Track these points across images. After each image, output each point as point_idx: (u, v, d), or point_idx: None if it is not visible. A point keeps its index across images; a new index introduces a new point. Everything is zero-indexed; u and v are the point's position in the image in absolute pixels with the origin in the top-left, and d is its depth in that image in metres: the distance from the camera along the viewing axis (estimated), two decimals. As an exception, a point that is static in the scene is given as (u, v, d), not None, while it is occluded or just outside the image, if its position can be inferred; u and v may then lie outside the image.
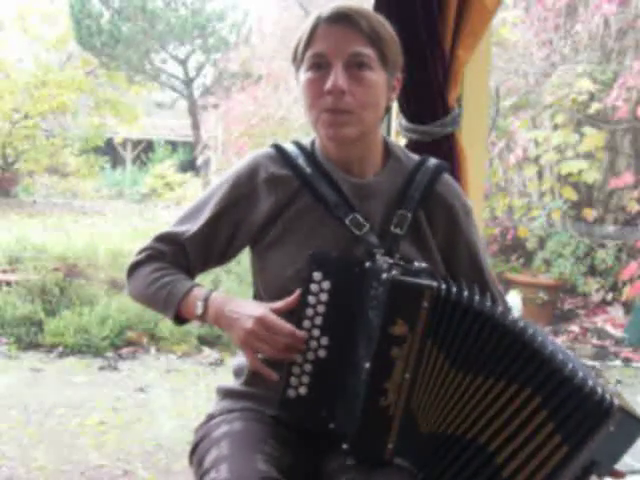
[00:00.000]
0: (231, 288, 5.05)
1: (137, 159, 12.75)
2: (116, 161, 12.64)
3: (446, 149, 1.72)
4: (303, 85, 1.22)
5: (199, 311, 1.23)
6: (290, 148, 1.31)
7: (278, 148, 1.31)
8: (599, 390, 1.07)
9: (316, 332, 1.16)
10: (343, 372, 1.14)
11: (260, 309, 1.18)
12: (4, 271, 5.39)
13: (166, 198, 10.66)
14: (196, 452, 1.27)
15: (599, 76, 5.89)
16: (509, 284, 5.87)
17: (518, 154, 6.16)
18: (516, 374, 1.09)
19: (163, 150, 12.28)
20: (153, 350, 4.69)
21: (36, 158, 9.56)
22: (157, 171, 11.43)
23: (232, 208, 1.29)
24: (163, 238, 1.32)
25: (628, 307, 5.68)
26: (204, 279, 5.19)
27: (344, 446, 1.13)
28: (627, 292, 5.62)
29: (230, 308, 1.21)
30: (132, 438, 3.31)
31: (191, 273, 1.33)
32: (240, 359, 1.33)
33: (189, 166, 11.65)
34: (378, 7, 1.65)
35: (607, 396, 1.07)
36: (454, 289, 1.11)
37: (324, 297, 1.16)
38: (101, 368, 4.35)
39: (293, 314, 1.17)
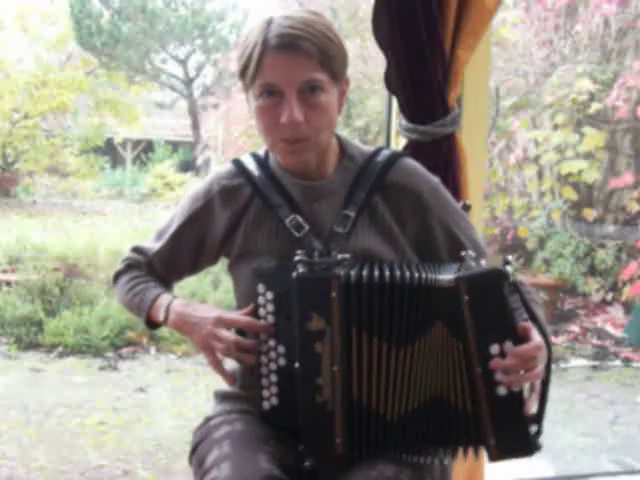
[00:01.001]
0: (231, 288, 5.04)
1: (137, 159, 12.74)
2: (116, 161, 12.63)
3: (446, 149, 1.72)
4: (256, 111, 1.21)
5: (161, 317, 1.29)
6: (245, 158, 1.34)
7: (235, 161, 1.34)
8: (437, 277, 1.10)
9: (272, 342, 1.19)
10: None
11: (216, 311, 1.24)
12: (4, 271, 5.39)
13: (166, 198, 10.64)
14: (196, 453, 1.27)
15: (599, 76, 5.89)
16: (509, 284, 5.87)
17: (518, 154, 6.16)
18: (425, 317, 1.11)
19: (163, 150, 12.27)
20: (153, 350, 4.69)
21: (36, 158, 9.55)
22: (157, 171, 11.41)
23: (191, 226, 1.33)
24: (137, 250, 1.40)
25: (628, 307, 5.68)
26: (204, 279, 5.19)
27: (300, 448, 1.15)
28: (627, 292, 5.62)
29: (188, 312, 1.26)
30: (132, 438, 3.31)
31: (167, 282, 1.40)
32: (232, 364, 1.34)
33: (189, 166, 11.65)
34: (378, 7, 1.65)
35: (449, 277, 1.09)
36: (363, 272, 1.12)
37: (271, 307, 1.18)
38: (101, 368, 4.35)
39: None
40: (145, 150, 12.59)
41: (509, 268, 1.09)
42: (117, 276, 1.40)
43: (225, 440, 1.21)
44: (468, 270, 1.11)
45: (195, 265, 1.38)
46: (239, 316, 1.22)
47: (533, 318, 1.13)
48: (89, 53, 10.49)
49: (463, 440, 1.14)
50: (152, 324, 1.34)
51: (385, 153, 1.32)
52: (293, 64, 1.16)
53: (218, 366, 1.24)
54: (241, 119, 8.52)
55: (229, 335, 1.20)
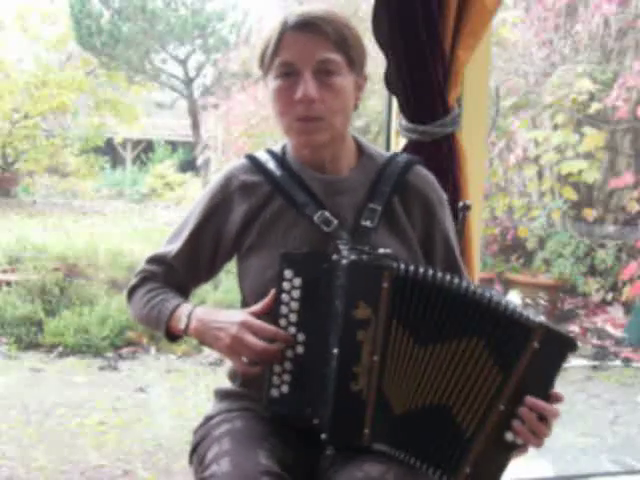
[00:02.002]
0: (231, 288, 5.05)
1: (137, 159, 12.74)
2: (116, 161, 12.62)
3: (446, 149, 1.72)
4: (273, 93, 1.24)
5: (181, 326, 1.26)
6: (261, 155, 1.34)
7: (250, 157, 1.34)
8: (523, 312, 1.11)
9: (292, 329, 1.17)
10: (320, 366, 1.15)
11: (241, 315, 1.21)
12: (4, 271, 5.39)
13: (166, 198, 10.64)
14: (196, 451, 1.28)
15: (599, 76, 5.89)
16: (509, 284, 5.87)
17: (518, 154, 6.16)
18: (463, 329, 1.11)
19: (163, 150, 12.26)
20: (153, 350, 4.69)
21: (36, 158, 9.55)
22: (157, 171, 11.41)
23: (210, 221, 1.33)
24: (153, 260, 1.38)
25: (628, 307, 5.68)
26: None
27: (323, 436, 1.13)
28: (627, 292, 5.62)
29: (212, 319, 1.24)
30: (132, 438, 3.31)
31: (184, 290, 1.38)
32: None
33: (189, 166, 11.64)
34: (378, 7, 1.65)
35: (530, 316, 1.10)
36: (412, 268, 1.13)
37: (296, 294, 1.17)
38: (101, 368, 4.35)
39: (270, 314, 1.19)
40: (145, 150, 12.58)
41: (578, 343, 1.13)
42: (132, 291, 1.37)
43: (225, 437, 1.21)
44: (545, 322, 1.11)
45: (213, 264, 1.36)
46: (266, 325, 1.18)
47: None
48: (89, 53, 10.48)
49: (442, 456, 1.13)
50: (171, 335, 1.31)
51: (403, 156, 1.36)
52: (310, 43, 1.20)
53: (248, 370, 1.20)
54: (241, 119, 8.52)
55: (256, 342, 1.17)
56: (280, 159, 1.33)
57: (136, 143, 12.75)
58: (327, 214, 1.26)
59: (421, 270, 1.13)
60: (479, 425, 1.11)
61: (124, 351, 4.63)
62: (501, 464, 1.12)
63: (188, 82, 11.59)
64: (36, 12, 10.26)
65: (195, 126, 11.42)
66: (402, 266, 1.13)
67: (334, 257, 1.15)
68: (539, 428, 1.09)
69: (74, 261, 5.39)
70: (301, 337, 1.17)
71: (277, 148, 1.36)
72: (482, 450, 1.10)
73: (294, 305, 1.17)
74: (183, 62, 11.44)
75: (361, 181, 1.31)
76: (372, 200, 1.28)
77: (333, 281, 1.14)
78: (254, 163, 1.33)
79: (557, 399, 1.12)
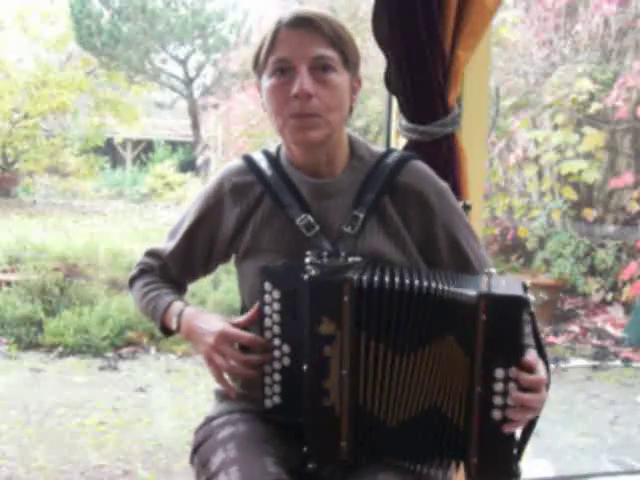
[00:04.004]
0: (231, 288, 5.05)
1: (137, 159, 12.74)
2: (116, 161, 12.63)
3: (446, 149, 1.72)
4: (268, 91, 1.22)
5: (174, 326, 1.30)
6: (256, 155, 1.34)
7: (246, 157, 1.34)
8: (462, 292, 1.08)
9: (277, 341, 1.17)
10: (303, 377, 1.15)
11: (220, 324, 1.22)
12: (4, 271, 5.39)
13: (166, 198, 10.64)
14: (198, 453, 1.27)
15: (599, 76, 5.89)
16: (509, 284, 5.86)
17: (518, 154, 6.16)
18: (438, 328, 1.10)
19: (163, 150, 12.27)
20: (153, 350, 4.69)
21: (36, 158, 9.55)
22: (157, 171, 11.41)
23: (203, 223, 1.34)
24: (150, 253, 1.41)
25: (628, 307, 5.68)
26: (204, 279, 5.18)
27: (304, 449, 1.14)
28: (627, 292, 5.62)
29: (196, 323, 1.25)
30: (132, 438, 3.31)
31: (180, 284, 1.41)
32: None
33: (189, 166, 11.64)
34: (378, 7, 1.65)
35: (468, 291, 1.08)
36: (375, 277, 1.11)
37: (277, 306, 1.17)
38: (101, 368, 4.35)
39: (255, 326, 1.20)
40: (145, 150, 12.59)
41: (531, 296, 1.08)
42: (132, 281, 1.41)
43: (230, 442, 1.21)
44: (489, 290, 1.09)
45: (208, 264, 1.38)
46: (242, 333, 1.20)
47: (541, 351, 1.13)
48: (89, 53, 10.48)
49: (448, 453, 1.14)
50: (167, 331, 1.34)
51: (395, 155, 1.32)
52: (305, 39, 1.19)
53: (220, 380, 1.23)
54: (241, 119, 8.53)
55: (231, 351, 1.19)
56: (273, 159, 1.32)
57: (136, 143, 12.75)
58: (310, 218, 1.24)
59: (380, 278, 1.11)
60: (467, 415, 1.10)
61: (124, 351, 4.63)
62: (506, 445, 1.10)
63: (188, 82, 11.60)
64: (36, 12, 10.26)
65: (195, 126, 11.42)
66: (364, 277, 1.10)
67: (308, 267, 1.14)
68: (522, 397, 1.05)
69: (74, 261, 5.39)
70: (286, 349, 1.17)
71: (272, 148, 1.36)
72: (480, 437, 1.09)
73: (276, 317, 1.17)
74: (183, 62, 11.45)
75: (350, 184, 1.28)
76: (356, 207, 1.26)
77: (304, 293, 1.14)
78: (248, 163, 1.32)
79: (529, 366, 1.06)
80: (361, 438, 1.13)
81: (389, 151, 1.34)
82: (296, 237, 1.25)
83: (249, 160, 1.33)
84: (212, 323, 1.23)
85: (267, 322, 1.18)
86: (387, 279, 1.11)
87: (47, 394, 3.84)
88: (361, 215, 1.25)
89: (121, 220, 8.62)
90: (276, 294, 1.17)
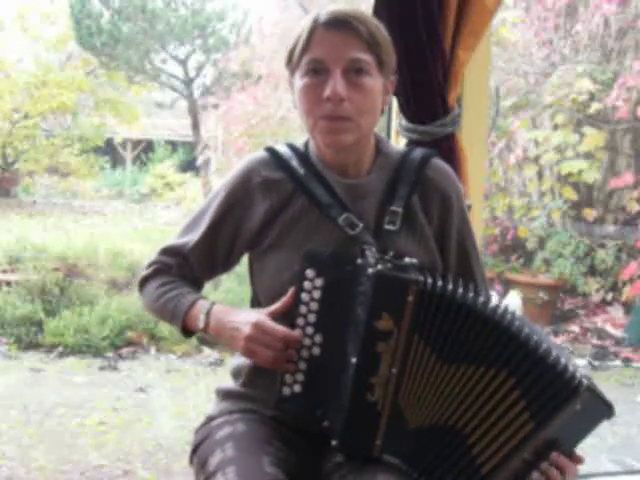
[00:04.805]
0: (231, 288, 5.05)
1: (137, 159, 12.74)
2: (116, 161, 12.62)
3: (446, 149, 1.72)
4: (300, 91, 1.21)
5: (201, 325, 1.25)
6: (283, 150, 1.31)
7: (272, 151, 1.30)
8: (570, 369, 1.08)
9: (310, 330, 1.16)
10: (336, 370, 1.14)
11: (256, 315, 1.19)
12: (4, 271, 5.39)
13: (166, 198, 10.64)
14: (197, 453, 1.27)
15: (599, 76, 5.89)
16: (509, 284, 5.87)
17: (518, 154, 6.16)
18: (494, 359, 1.09)
19: (163, 150, 12.27)
20: (153, 350, 4.69)
21: (36, 158, 9.55)
22: (157, 171, 11.41)
23: (229, 215, 1.29)
24: (167, 251, 1.34)
25: (628, 307, 5.68)
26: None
27: (333, 442, 1.13)
28: (627, 292, 5.62)
29: (229, 319, 1.22)
30: (132, 438, 3.32)
31: (198, 283, 1.36)
32: (238, 361, 1.33)
33: (189, 166, 11.63)
34: (378, 7, 1.65)
35: (577, 375, 1.08)
36: (439, 283, 1.11)
37: (317, 294, 1.15)
38: (101, 368, 4.35)
39: (288, 312, 1.17)
40: (145, 150, 12.59)
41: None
42: (144, 281, 1.35)
43: (228, 442, 1.20)
44: (591, 385, 1.09)
45: (229, 257, 1.32)
46: (278, 327, 1.16)
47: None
48: (89, 53, 10.47)
49: (452, 472, 1.12)
50: (187, 331, 1.29)
51: (418, 151, 1.33)
52: (341, 41, 1.18)
53: (276, 364, 1.17)
54: (241, 119, 8.53)
55: (271, 341, 1.15)
56: (303, 157, 1.29)
57: (136, 143, 12.76)
58: (352, 217, 1.23)
59: (448, 286, 1.11)
60: (498, 466, 1.09)
61: (124, 351, 4.63)
62: None
63: (188, 82, 11.59)
64: (36, 12, 10.27)
65: (195, 126, 11.41)
66: (429, 280, 1.11)
67: (359, 261, 1.13)
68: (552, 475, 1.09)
69: (74, 261, 5.39)
70: (318, 338, 1.15)
71: (299, 144, 1.33)
72: None
73: (314, 305, 1.15)
74: (183, 62, 11.43)
75: (379, 182, 1.28)
76: (392, 202, 1.25)
77: (356, 286, 1.12)
78: (276, 158, 1.29)
79: (578, 461, 1.12)
80: (392, 437, 1.12)
81: (411, 148, 1.35)
82: (332, 235, 1.23)
83: (276, 155, 1.30)
84: (247, 315, 1.20)
85: (302, 309, 1.15)
86: (454, 289, 1.11)
87: (47, 394, 3.84)
88: (400, 210, 1.25)
89: (121, 220, 8.62)
90: (319, 282, 1.15)
